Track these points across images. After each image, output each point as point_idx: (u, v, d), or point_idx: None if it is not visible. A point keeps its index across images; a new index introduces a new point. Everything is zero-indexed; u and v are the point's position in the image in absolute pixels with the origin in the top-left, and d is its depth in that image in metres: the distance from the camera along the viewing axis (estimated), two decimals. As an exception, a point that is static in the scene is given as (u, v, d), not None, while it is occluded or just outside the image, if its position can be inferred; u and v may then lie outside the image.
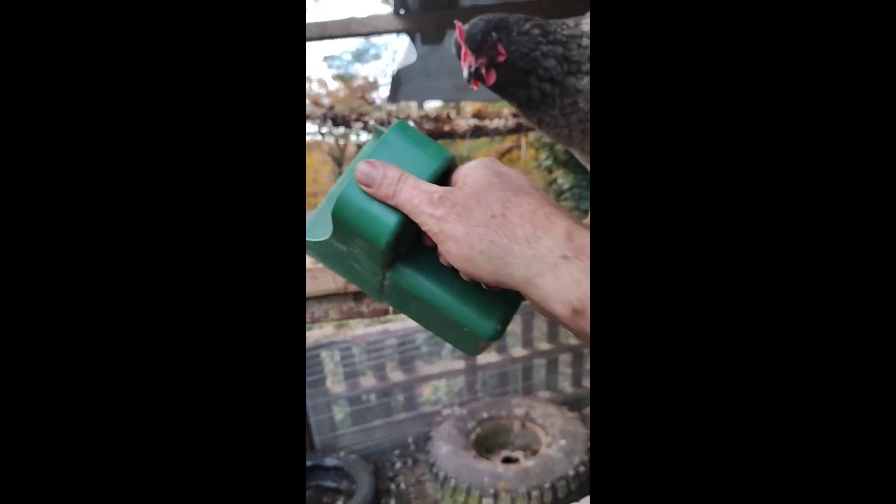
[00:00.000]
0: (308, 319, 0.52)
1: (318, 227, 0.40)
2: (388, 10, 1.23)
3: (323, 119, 2.28)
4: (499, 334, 0.36)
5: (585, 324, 0.27)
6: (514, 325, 2.96)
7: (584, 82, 0.58)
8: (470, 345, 0.38)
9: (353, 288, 0.49)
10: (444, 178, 0.35)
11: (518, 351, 2.92)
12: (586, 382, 3.01)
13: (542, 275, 0.29)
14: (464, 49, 0.57)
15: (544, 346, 2.97)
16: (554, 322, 2.65)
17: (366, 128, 2.37)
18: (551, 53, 0.57)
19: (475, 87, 0.61)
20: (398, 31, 1.23)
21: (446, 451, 2.17)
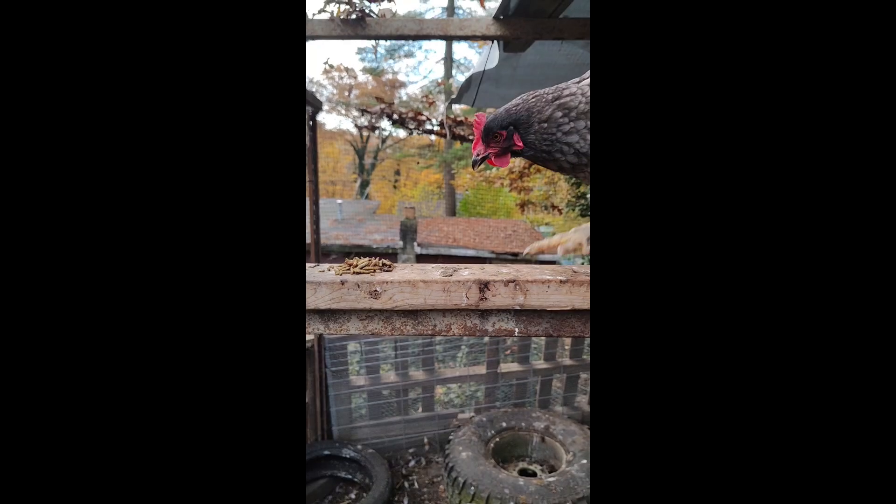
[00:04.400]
0: (429, 330, 0.51)
1: None
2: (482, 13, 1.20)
3: (380, 114, 2.27)
4: None
5: None
6: (539, 339, 2.95)
7: None
8: None
9: (484, 305, 0.49)
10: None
11: (540, 363, 2.91)
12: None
13: None
14: (476, 137, 0.62)
15: (567, 361, 2.95)
16: (578, 339, 2.65)
17: (420, 127, 2.35)
18: (574, 130, 0.59)
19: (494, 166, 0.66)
20: (494, 38, 1.21)
21: (466, 456, 2.15)
